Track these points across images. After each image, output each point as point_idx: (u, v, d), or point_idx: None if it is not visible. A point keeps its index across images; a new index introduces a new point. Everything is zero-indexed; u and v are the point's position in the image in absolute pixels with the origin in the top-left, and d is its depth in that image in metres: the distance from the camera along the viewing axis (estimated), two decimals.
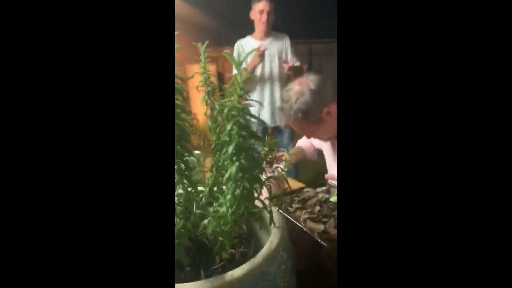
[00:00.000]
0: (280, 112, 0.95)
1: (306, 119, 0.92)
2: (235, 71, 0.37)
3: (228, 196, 0.40)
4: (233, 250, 0.52)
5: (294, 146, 2.03)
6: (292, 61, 1.89)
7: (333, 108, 0.91)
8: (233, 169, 0.37)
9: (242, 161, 0.37)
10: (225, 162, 0.41)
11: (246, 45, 1.94)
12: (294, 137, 2.03)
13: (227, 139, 0.37)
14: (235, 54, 1.55)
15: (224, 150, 0.38)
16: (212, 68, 0.51)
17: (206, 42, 0.53)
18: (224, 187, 0.50)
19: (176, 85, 0.42)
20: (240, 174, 0.37)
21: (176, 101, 0.42)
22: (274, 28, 1.95)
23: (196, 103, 0.58)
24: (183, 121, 0.43)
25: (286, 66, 1.78)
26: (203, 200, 0.54)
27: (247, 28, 2.03)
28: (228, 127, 0.36)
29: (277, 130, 2.06)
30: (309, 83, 0.90)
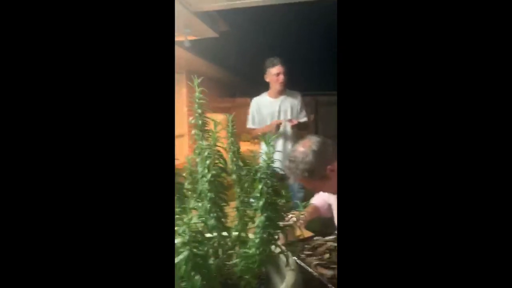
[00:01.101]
0: (288, 171, 1.09)
1: (312, 177, 1.05)
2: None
3: (257, 240, 0.51)
4: None
5: (304, 194, 2.14)
6: (300, 117, 2.15)
7: (335, 166, 1.05)
8: (261, 218, 0.49)
9: (269, 212, 0.49)
10: (255, 212, 0.53)
11: (262, 103, 2.21)
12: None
13: (258, 195, 0.49)
14: (251, 110, 1.76)
15: (255, 203, 0.50)
16: (218, 117, 0.63)
17: (233, 114, 0.67)
18: (249, 234, 0.61)
19: (219, 152, 0.56)
20: (267, 223, 0.49)
21: (219, 164, 0.55)
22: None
23: None
24: (222, 178, 0.56)
25: (290, 124, 2.05)
26: (230, 243, 0.64)
27: (259, 82, 2.27)
28: (260, 187, 0.48)
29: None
30: (311, 144, 1.05)
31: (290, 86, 2.23)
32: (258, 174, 0.49)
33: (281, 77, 2.09)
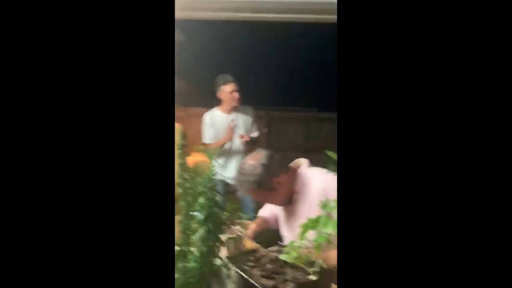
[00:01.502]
0: (238, 184, 1.12)
1: (260, 188, 1.09)
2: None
3: (197, 254, 0.51)
4: None
5: (255, 205, 2.17)
6: (252, 132, 2.22)
7: (282, 178, 1.10)
8: (201, 231, 0.50)
9: (210, 225, 0.50)
10: (194, 226, 0.53)
11: (215, 118, 2.22)
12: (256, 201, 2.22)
13: (199, 208, 0.50)
14: (204, 125, 1.76)
15: (196, 217, 0.51)
16: (178, 126, 0.63)
17: (181, 125, 0.68)
18: (190, 248, 0.60)
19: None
20: (206, 235, 0.50)
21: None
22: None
23: None
24: None
25: (242, 140, 2.12)
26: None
27: (213, 93, 2.29)
28: (200, 200, 0.49)
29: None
30: (260, 158, 1.10)
31: (244, 101, 2.30)
32: (199, 188, 0.50)
33: (236, 95, 2.14)
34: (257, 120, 2.35)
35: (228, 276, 0.60)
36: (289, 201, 1.19)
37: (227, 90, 2.15)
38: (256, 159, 1.10)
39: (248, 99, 2.34)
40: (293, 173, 1.16)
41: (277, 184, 1.09)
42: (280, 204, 1.21)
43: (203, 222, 0.49)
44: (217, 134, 2.18)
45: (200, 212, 0.50)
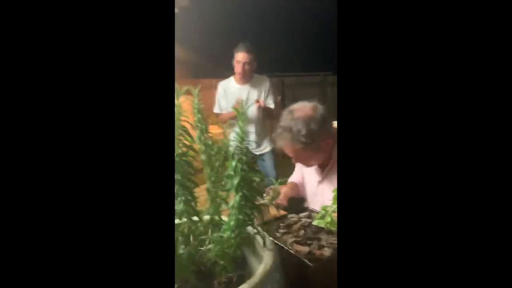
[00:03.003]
0: (283, 133, 0.95)
1: (308, 147, 0.93)
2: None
3: (232, 222, 0.46)
4: (230, 274, 0.57)
5: (277, 173, 2.13)
6: (267, 103, 2.09)
7: (332, 140, 0.98)
8: (237, 198, 0.44)
9: (245, 191, 0.44)
10: (228, 192, 0.48)
11: (228, 87, 2.12)
12: (276, 165, 2.17)
13: (232, 173, 0.44)
14: (217, 94, 1.68)
15: (229, 182, 0.45)
16: (189, 100, 0.57)
17: (199, 86, 0.60)
18: (222, 216, 0.56)
19: (184, 128, 0.49)
20: (243, 203, 0.45)
21: (185, 141, 0.49)
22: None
23: None
24: (188, 158, 0.50)
25: (257, 104, 2.01)
26: (201, 228, 0.59)
27: (223, 63, 2.18)
28: (233, 164, 0.43)
29: (259, 158, 2.17)
30: (321, 110, 0.94)
31: (257, 68, 2.17)
32: (232, 150, 0.44)
33: (240, 66, 2.00)
34: (274, 89, 2.23)
35: (263, 245, 0.56)
36: (321, 164, 1.11)
37: (236, 59, 2.02)
38: (316, 110, 0.94)
39: (260, 66, 2.21)
40: (335, 135, 1.00)
41: (326, 145, 0.97)
42: (311, 165, 1.13)
43: (237, 188, 0.44)
44: (229, 105, 2.08)
45: (232, 178, 0.44)
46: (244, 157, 0.44)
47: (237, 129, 0.44)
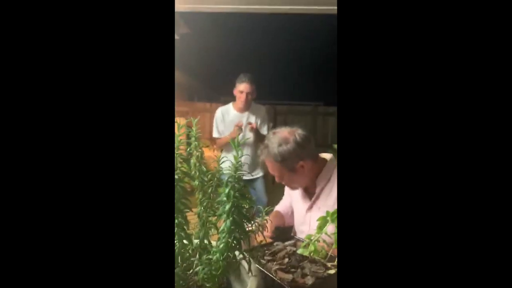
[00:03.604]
0: (264, 149, 1.08)
1: (283, 165, 1.05)
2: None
3: (222, 245, 0.49)
4: None
5: (268, 199, 2.16)
6: (262, 130, 2.21)
7: (308, 164, 1.06)
8: (227, 223, 0.48)
9: (235, 216, 0.48)
10: (219, 217, 0.51)
11: (227, 114, 2.22)
12: (266, 190, 2.22)
13: (225, 199, 0.48)
14: (215, 119, 1.74)
15: (221, 208, 0.49)
16: (182, 120, 0.62)
17: (198, 117, 0.65)
18: (210, 241, 0.58)
19: (182, 156, 0.53)
20: (233, 227, 0.48)
21: (182, 168, 0.53)
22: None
23: None
24: (185, 184, 0.54)
25: (249, 126, 2.12)
26: (190, 251, 0.61)
27: (219, 87, 2.26)
28: (227, 190, 0.47)
29: (250, 182, 2.22)
30: (296, 135, 1.05)
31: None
32: (226, 178, 0.48)
33: (243, 96, 2.11)
34: (268, 117, 2.33)
35: (249, 271, 0.58)
36: (308, 192, 1.15)
37: (239, 89, 2.13)
38: (292, 134, 1.05)
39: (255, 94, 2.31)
40: (321, 164, 1.11)
41: (300, 167, 1.05)
42: (293, 188, 1.18)
43: (229, 214, 0.47)
44: (227, 130, 2.17)
45: (224, 204, 0.48)
46: (236, 185, 0.48)
47: (231, 158, 0.49)
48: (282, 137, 1.05)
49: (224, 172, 0.52)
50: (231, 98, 2.24)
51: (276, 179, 1.15)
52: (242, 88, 2.11)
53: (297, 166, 1.05)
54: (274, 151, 1.04)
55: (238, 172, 0.49)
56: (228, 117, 2.19)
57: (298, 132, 1.07)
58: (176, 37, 2.52)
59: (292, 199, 1.25)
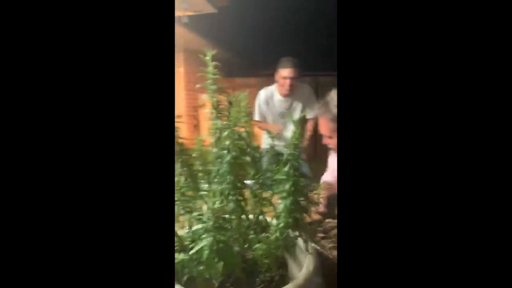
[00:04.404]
0: (323, 106, 1.11)
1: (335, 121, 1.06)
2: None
3: (281, 224, 0.48)
4: (271, 274, 0.59)
5: (311, 173, 2.14)
6: (310, 111, 2.10)
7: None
8: (287, 202, 0.46)
9: (295, 195, 0.46)
10: (272, 195, 0.50)
11: (271, 98, 2.14)
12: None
13: (284, 177, 0.46)
14: (258, 101, 1.70)
15: (280, 186, 0.47)
16: (223, 98, 0.60)
17: (247, 91, 0.62)
18: (267, 218, 0.58)
19: (239, 133, 0.52)
20: (292, 207, 0.46)
21: (239, 145, 0.52)
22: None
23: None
24: (242, 160, 0.53)
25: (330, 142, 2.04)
26: (246, 227, 0.62)
27: (259, 63, 2.20)
28: (286, 169, 0.45)
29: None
30: None
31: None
32: (284, 155, 0.46)
33: (287, 82, 2.00)
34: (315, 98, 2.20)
35: (306, 249, 0.57)
36: None
37: (282, 75, 2.01)
38: None
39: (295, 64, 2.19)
40: None
41: None
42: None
43: (289, 192, 0.45)
44: (268, 114, 2.11)
45: (284, 182, 0.46)
46: (295, 163, 0.45)
47: (290, 135, 0.46)
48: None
49: (277, 148, 0.50)
50: (270, 72, 2.15)
51: (324, 140, 1.14)
52: (285, 73, 1.99)
53: None
54: (334, 111, 1.03)
55: (298, 150, 0.46)
56: (272, 102, 2.11)
57: None
58: (214, 10, 2.47)
59: (336, 172, 1.22)
